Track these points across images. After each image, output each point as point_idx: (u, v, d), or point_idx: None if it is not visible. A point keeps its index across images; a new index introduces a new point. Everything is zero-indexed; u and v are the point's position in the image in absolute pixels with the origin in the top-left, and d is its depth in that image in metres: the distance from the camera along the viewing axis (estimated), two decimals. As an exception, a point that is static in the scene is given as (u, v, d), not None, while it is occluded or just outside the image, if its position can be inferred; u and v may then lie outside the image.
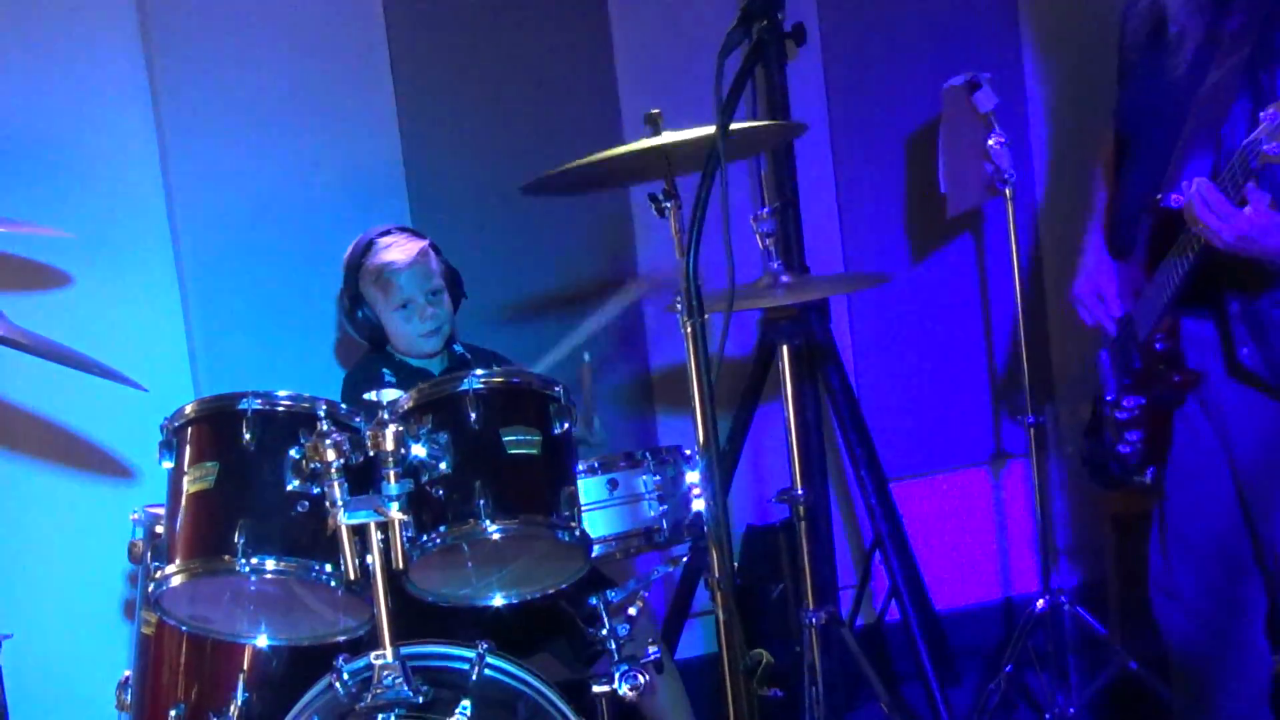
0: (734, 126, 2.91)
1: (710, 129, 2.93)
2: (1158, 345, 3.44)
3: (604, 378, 4.92)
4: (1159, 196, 3.29)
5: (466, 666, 3.22)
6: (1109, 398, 3.57)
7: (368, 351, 4.19)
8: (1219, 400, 3.43)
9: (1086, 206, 3.75)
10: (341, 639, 3.27)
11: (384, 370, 4.01)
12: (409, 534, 3.00)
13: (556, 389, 3.20)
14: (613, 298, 4.04)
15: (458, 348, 4.17)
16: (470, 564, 3.21)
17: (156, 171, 4.50)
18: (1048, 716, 4.61)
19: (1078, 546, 4.94)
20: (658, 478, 3.39)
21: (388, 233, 4.11)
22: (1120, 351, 3.54)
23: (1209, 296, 3.31)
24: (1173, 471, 3.55)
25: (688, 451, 3.46)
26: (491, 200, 4.67)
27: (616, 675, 3.28)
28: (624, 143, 3.48)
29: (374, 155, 4.66)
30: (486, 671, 3.23)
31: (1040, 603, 4.56)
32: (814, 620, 4.00)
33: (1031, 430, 4.55)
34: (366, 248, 4.07)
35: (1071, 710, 4.58)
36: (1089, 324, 3.67)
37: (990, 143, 4.50)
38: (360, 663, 3.17)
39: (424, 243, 4.11)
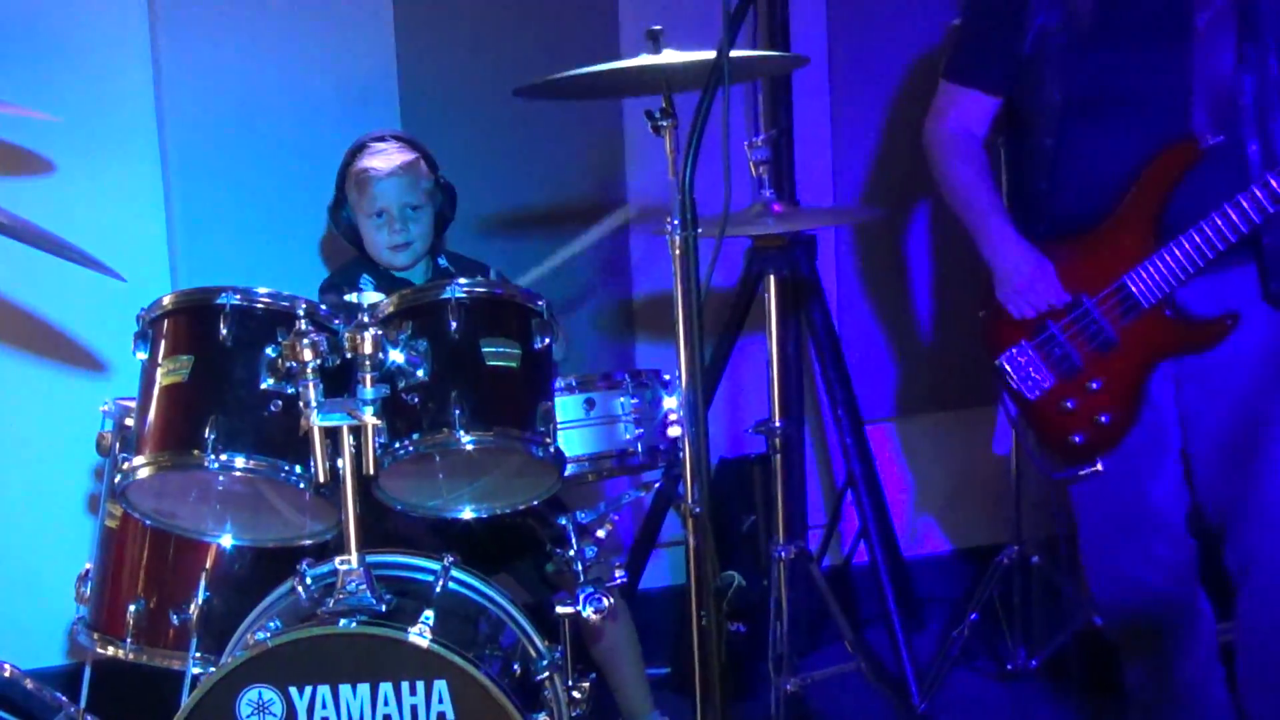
0: (735, 54, 2.87)
1: (710, 54, 2.88)
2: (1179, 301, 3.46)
3: (586, 300, 4.89)
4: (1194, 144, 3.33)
5: (431, 578, 3.22)
6: (1044, 387, 3.57)
7: (353, 255, 4.13)
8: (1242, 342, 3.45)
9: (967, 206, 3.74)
10: (307, 543, 3.27)
11: (365, 276, 3.97)
12: (382, 440, 2.99)
13: (540, 303, 3.17)
14: (601, 219, 3.99)
15: (442, 260, 4.11)
16: (442, 474, 3.20)
17: (147, 61, 4.43)
18: (1009, 667, 4.61)
19: (1047, 499, 4.92)
20: (635, 400, 3.38)
21: (382, 139, 4.01)
22: (1081, 334, 3.52)
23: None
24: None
25: (666, 377, 3.46)
26: (484, 109, 4.62)
27: (581, 598, 3.26)
28: (620, 55, 3.43)
29: (368, 58, 4.61)
30: (451, 584, 3.23)
31: (1007, 554, 4.55)
32: (783, 554, 3.99)
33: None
34: (358, 150, 3.99)
35: (1034, 663, 4.59)
36: (1030, 316, 3.62)
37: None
38: (324, 568, 3.17)
39: (414, 155, 3.99)
